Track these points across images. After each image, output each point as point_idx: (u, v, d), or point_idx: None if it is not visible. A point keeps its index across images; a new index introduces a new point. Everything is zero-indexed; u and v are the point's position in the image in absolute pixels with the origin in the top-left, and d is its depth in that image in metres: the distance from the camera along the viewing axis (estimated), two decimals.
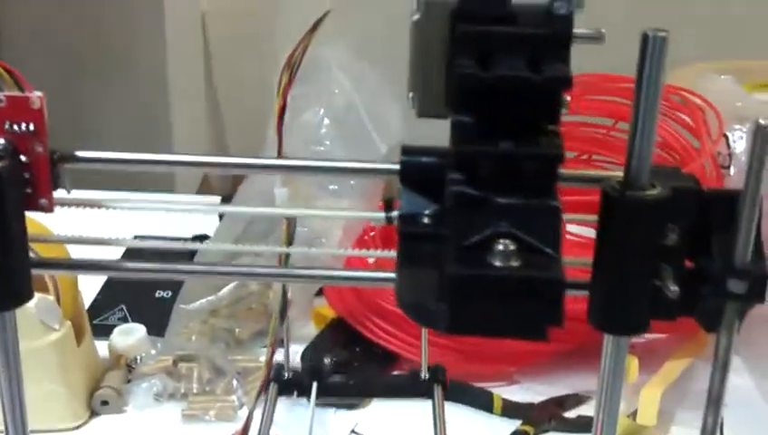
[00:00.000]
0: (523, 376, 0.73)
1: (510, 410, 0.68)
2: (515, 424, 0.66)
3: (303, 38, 0.38)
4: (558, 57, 0.31)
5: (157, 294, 0.80)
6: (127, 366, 0.70)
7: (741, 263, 0.35)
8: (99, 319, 0.77)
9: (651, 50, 0.32)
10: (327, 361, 0.66)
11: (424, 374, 0.61)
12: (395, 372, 0.73)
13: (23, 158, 0.36)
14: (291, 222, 0.42)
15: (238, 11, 1.87)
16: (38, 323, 0.62)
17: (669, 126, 0.86)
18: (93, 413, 0.67)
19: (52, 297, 0.64)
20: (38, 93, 0.36)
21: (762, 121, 0.34)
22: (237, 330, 0.75)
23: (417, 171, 0.35)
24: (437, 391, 0.60)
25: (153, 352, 0.72)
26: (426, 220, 0.33)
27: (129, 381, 0.69)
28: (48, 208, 0.37)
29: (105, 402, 0.67)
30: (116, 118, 1.76)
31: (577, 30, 0.34)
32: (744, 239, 0.35)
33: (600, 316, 0.36)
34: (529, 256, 0.31)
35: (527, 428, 0.66)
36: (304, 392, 0.60)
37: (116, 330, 0.72)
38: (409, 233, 0.33)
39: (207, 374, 0.69)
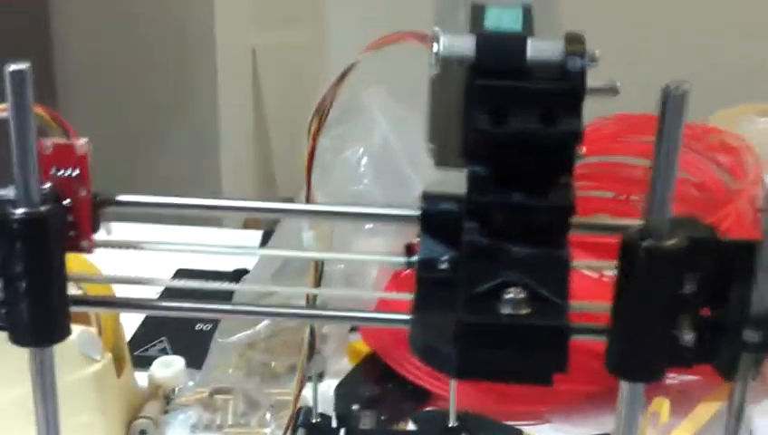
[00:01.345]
0: (555, 416, 0.73)
1: None
2: None
3: (332, 87, 0.40)
4: (571, 111, 0.32)
5: (197, 327, 0.82)
6: (165, 397, 0.72)
7: (757, 313, 0.36)
8: (140, 350, 0.79)
9: (671, 104, 0.33)
10: (355, 407, 0.67)
11: (452, 422, 0.62)
12: (428, 409, 0.74)
13: (66, 201, 0.38)
14: (317, 264, 0.43)
15: (288, 44, 1.89)
16: (79, 354, 0.64)
17: (708, 167, 0.86)
18: None
19: (94, 329, 0.66)
20: (83, 140, 0.38)
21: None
22: (273, 363, 0.76)
23: (436, 218, 0.36)
24: None
25: (191, 383, 0.74)
26: (442, 266, 0.34)
27: (166, 413, 0.71)
28: (89, 250, 0.39)
29: (143, 432, 0.68)
30: (168, 151, 1.80)
31: (591, 83, 0.36)
32: (762, 289, 0.36)
33: (617, 362, 0.37)
34: (537, 305, 0.32)
35: None
36: None
37: (156, 362, 0.74)
38: (426, 278, 0.34)
39: (242, 407, 0.71)
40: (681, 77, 0.33)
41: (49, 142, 0.37)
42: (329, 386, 0.74)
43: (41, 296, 0.37)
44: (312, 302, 0.45)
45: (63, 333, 0.38)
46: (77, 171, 0.38)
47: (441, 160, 0.34)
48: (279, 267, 0.76)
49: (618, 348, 0.36)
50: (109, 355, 0.67)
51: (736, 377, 0.37)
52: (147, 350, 0.80)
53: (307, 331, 0.77)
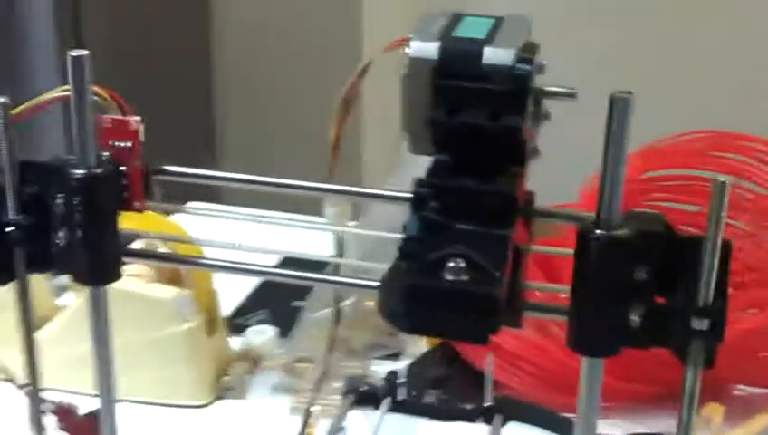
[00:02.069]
0: (614, 413, 0.76)
1: None
2: None
3: (355, 81, 0.45)
4: (515, 110, 0.37)
5: (293, 303, 0.89)
6: (254, 361, 0.80)
7: (703, 302, 0.39)
8: (241, 318, 0.87)
9: (618, 110, 0.37)
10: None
11: (488, 402, 0.66)
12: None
13: (122, 168, 0.46)
14: (338, 236, 0.49)
15: None
16: (174, 313, 0.73)
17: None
18: (218, 397, 0.77)
19: (188, 292, 0.75)
20: (136, 118, 0.45)
21: (719, 178, 0.38)
22: (353, 340, 0.83)
23: (421, 199, 0.41)
24: (497, 420, 0.66)
25: (279, 351, 0.81)
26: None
27: (253, 375, 0.79)
28: (140, 210, 0.47)
29: (229, 388, 0.77)
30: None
31: (552, 87, 0.40)
32: (706, 280, 0.39)
33: (575, 339, 0.41)
34: (476, 274, 0.37)
35: None
36: (377, 406, 0.67)
37: (250, 329, 0.83)
38: (400, 250, 0.40)
39: (319, 375, 0.77)
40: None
41: (108, 118, 0.45)
42: (406, 364, 0.80)
43: (94, 244, 0.44)
44: (335, 271, 0.51)
45: (114, 276, 0.46)
46: (130, 143, 0.45)
47: (415, 148, 0.40)
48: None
49: (574, 327, 0.40)
50: (201, 317, 0.75)
51: (687, 363, 0.41)
52: (248, 319, 0.88)
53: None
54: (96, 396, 0.68)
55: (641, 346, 0.41)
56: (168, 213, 0.48)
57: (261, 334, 0.82)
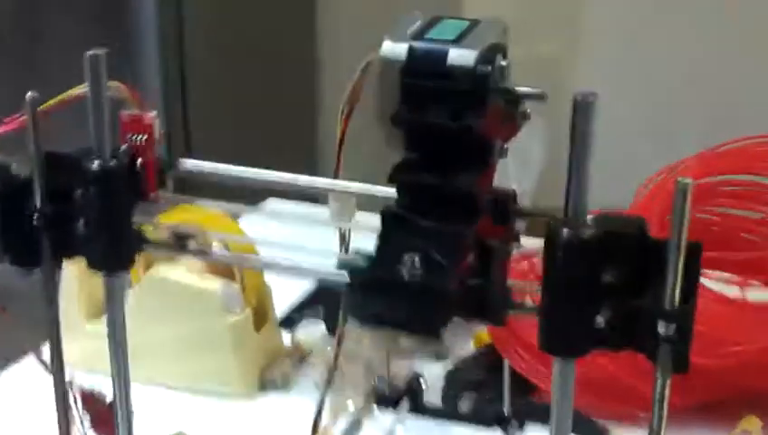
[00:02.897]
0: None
1: None
2: None
3: (359, 79, 0.47)
4: (475, 109, 0.39)
5: None
6: (301, 356, 0.83)
7: (669, 306, 0.40)
8: (296, 314, 0.90)
9: (581, 112, 0.38)
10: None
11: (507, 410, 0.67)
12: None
13: (139, 160, 0.49)
14: (341, 230, 0.51)
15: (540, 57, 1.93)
16: (221, 305, 0.77)
17: None
18: (263, 390, 0.80)
19: (237, 285, 0.78)
20: (152, 113, 0.49)
21: (680, 179, 0.39)
22: (402, 341, 0.84)
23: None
24: (513, 427, 0.66)
25: (329, 348, 0.84)
26: None
27: (299, 369, 0.82)
28: (156, 201, 0.50)
29: (272, 381, 0.80)
30: None
31: (523, 88, 0.41)
32: (672, 285, 0.39)
33: (544, 339, 0.42)
34: (430, 269, 0.38)
35: None
36: (396, 407, 0.68)
37: (301, 325, 0.86)
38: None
39: (363, 372, 0.79)
40: None
41: (126, 113, 0.48)
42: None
43: (109, 233, 0.48)
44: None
45: (127, 264, 0.49)
46: (145, 137, 0.48)
47: (389, 143, 0.41)
48: None
49: (544, 326, 0.41)
50: (248, 310, 0.78)
51: (656, 368, 0.41)
52: (303, 315, 0.90)
53: None
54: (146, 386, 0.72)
55: (610, 349, 0.41)
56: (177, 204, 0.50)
57: (312, 331, 0.85)
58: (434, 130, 0.39)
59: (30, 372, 0.58)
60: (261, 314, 0.81)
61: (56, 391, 0.54)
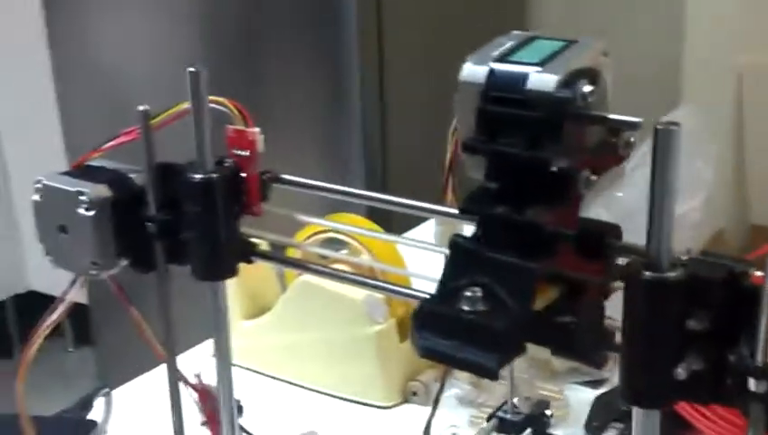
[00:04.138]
0: None
1: None
2: None
3: None
4: (554, 138, 0.36)
5: None
6: (445, 370, 0.81)
7: (762, 363, 0.35)
8: None
9: (662, 143, 0.35)
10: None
11: None
12: None
13: (243, 174, 0.50)
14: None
15: None
16: (364, 314, 0.77)
17: None
18: (405, 400, 0.79)
19: (381, 296, 0.78)
20: (255, 129, 0.49)
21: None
22: (555, 362, 0.81)
23: None
24: None
25: None
26: None
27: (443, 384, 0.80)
28: (257, 213, 0.50)
29: (415, 393, 0.79)
30: None
31: (614, 115, 0.38)
32: (764, 341, 0.35)
33: (624, 387, 0.38)
34: (493, 306, 0.36)
35: None
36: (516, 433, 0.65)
37: None
38: None
39: (506, 392, 0.77)
40: None
41: (231, 128, 0.49)
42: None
43: (210, 242, 0.49)
44: None
45: (229, 273, 0.50)
46: (248, 152, 0.49)
47: (471, 171, 0.39)
48: None
49: (623, 374, 0.38)
50: (392, 320, 0.78)
51: (750, 425, 0.37)
52: None
53: None
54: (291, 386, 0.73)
55: (695, 400, 0.38)
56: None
57: None
58: (506, 158, 0.36)
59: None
60: (406, 325, 0.80)
61: (170, 384, 0.55)
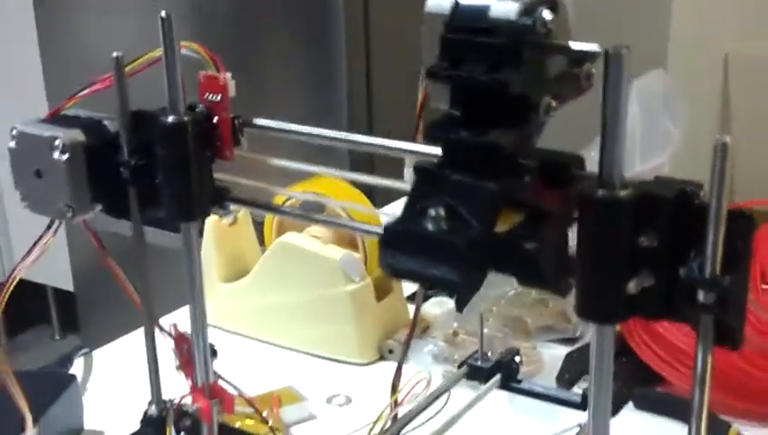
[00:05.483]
0: None
1: None
2: None
3: None
4: (512, 63, 0.37)
5: None
6: (423, 328, 0.83)
7: (711, 275, 0.37)
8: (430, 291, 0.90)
9: (613, 67, 0.36)
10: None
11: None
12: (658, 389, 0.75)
13: (215, 120, 0.51)
14: None
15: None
16: (341, 273, 0.78)
17: None
18: (381, 358, 0.80)
19: (358, 255, 0.79)
20: (226, 74, 0.50)
21: (719, 137, 0.36)
22: (528, 320, 0.83)
23: None
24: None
25: (455, 324, 0.83)
26: None
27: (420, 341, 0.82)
28: (230, 158, 0.51)
29: (391, 351, 0.80)
30: None
31: (578, 44, 0.39)
32: (713, 252, 0.36)
33: (579, 304, 0.40)
34: (455, 224, 0.37)
35: None
36: (486, 380, 0.66)
37: (431, 300, 0.86)
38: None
39: (479, 349, 0.78)
40: None
41: (203, 73, 0.50)
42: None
43: (182, 184, 0.50)
44: None
45: (201, 213, 0.51)
46: (219, 96, 0.50)
47: (435, 101, 0.41)
48: None
49: (579, 291, 0.39)
50: (368, 280, 0.79)
51: (698, 338, 0.38)
52: (435, 293, 0.90)
53: None
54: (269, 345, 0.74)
55: (647, 316, 0.39)
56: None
57: (439, 306, 0.85)
58: (468, 83, 0.37)
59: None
60: (385, 286, 0.82)
61: (146, 331, 0.57)
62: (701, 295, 0.37)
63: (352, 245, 0.81)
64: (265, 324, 0.83)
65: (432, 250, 0.38)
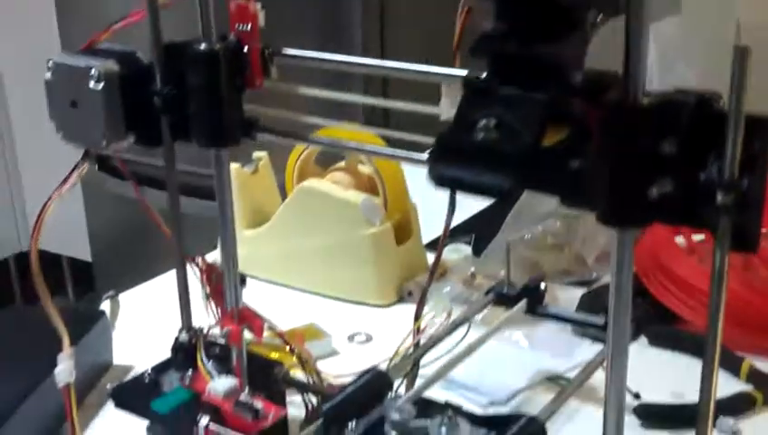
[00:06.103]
0: None
1: (755, 377, 0.68)
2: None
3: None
4: None
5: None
6: (442, 272, 0.85)
7: (729, 177, 0.38)
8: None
9: None
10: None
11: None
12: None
13: (245, 49, 0.52)
14: None
15: None
16: (361, 217, 0.80)
17: None
18: (400, 300, 0.82)
19: (378, 200, 0.81)
20: (257, 4, 0.52)
21: (737, 45, 0.37)
22: (541, 262, 0.84)
23: None
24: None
25: (472, 268, 0.85)
26: None
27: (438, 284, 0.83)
28: (259, 87, 0.53)
29: (410, 293, 0.82)
30: None
31: None
32: (731, 155, 0.38)
33: (604, 211, 0.41)
34: (505, 135, 0.39)
35: (756, 393, 0.66)
36: (512, 306, 0.68)
37: (448, 247, 0.87)
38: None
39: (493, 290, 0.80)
40: None
41: (234, 3, 0.52)
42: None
43: (214, 112, 0.52)
44: None
45: (232, 140, 0.53)
46: (249, 26, 0.52)
47: (480, 14, 0.42)
48: None
49: (602, 198, 0.41)
50: (388, 224, 0.81)
51: (715, 242, 0.40)
52: (455, 240, 0.91)
53: (580, 232, 0.84)
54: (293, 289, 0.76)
55: (668, 221, 0.41)
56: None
57: (456, 252, 0.87)
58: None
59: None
60: (404, 230, 0.84)
61: (176, 261, 0.58)
62: (720, 197, 0.38)
63: (373, 191, 0.83)
64: (288, 269, 0.85)
65: (482, 159, 0.40)
